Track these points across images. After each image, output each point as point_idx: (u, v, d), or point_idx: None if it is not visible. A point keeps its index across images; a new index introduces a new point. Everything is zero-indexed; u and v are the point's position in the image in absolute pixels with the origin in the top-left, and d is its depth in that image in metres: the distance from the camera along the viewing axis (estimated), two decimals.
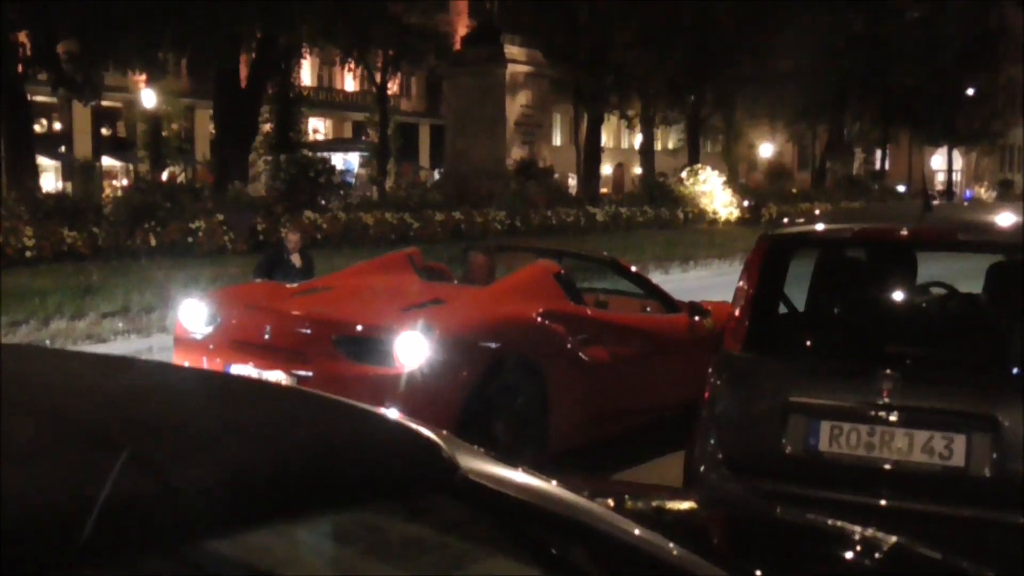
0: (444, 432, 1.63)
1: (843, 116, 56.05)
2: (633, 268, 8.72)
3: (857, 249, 5.32)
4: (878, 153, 63.79)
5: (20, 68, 26.82)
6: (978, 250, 4.74)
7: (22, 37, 26.72)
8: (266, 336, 6.50)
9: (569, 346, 6.83)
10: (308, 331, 6.45)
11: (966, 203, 35.08)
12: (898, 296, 5.04)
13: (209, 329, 6.81)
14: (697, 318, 7.88)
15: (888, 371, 4.26)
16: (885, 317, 5.00)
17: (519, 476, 1.68)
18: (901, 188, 57.77)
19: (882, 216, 5.73)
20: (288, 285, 7.81)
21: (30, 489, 1.22)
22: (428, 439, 1.55)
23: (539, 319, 6.76)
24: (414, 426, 1.59)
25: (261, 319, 6.67)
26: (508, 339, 6.58)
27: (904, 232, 4.87)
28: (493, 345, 6.46)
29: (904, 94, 52.16)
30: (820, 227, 5.21)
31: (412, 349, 5.98)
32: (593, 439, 6.98)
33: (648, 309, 8.20)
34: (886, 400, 4.26)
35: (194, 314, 6.93)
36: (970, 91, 57.31)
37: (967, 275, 5.98)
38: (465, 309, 6.74)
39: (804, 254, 5.29)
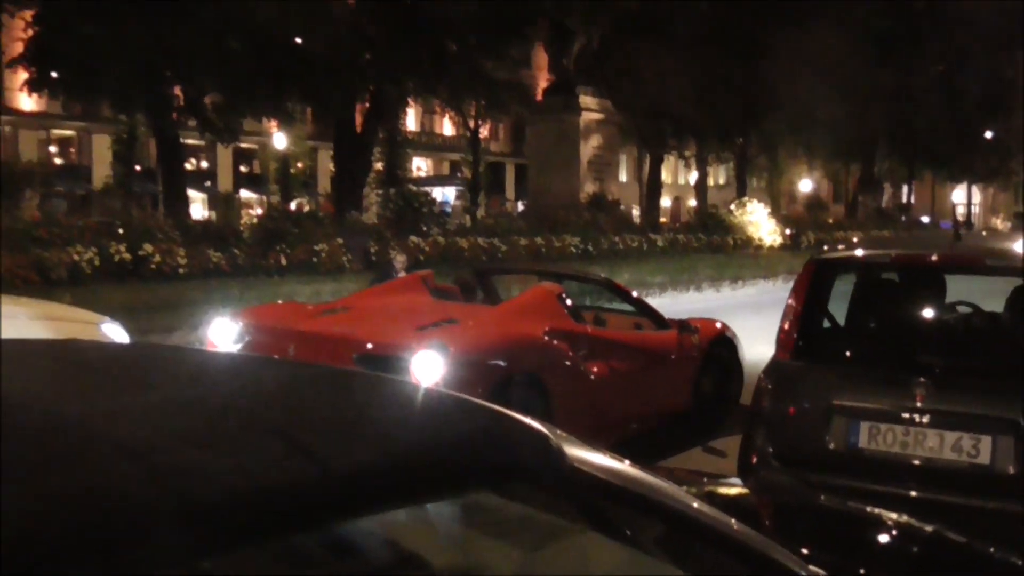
0: (549, 425, 1.62)
1: (873, 156, 55.02)
2: (634, 293, 8.20)
3: (892, 272, 5.22)
4: (904, 188, 62.51)
5: (174, 116, 27.57)
6: (1003, 274, 4.62)
7: (176, 91, 27.47)
8: (291, 353, 6.04)
9: (571, 362, 6.42)
10: (330, 349, 5.89)
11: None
12: (929, 313, 4.94)
13: (238, 347, 6.33)
14: (684, 334, 7.49)
15: (921, 378, 4.18)
16: (918, 331, 4.90)
17: (613, 463, 1.67)
18: (925, 219, 56.55)
19: (915, 244, 5.61)
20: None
21: (217, 475, 1.23)
22: (540, 432, 1.55)
23: (544, 337, 6.34)
24: (527, 420, 1.59)
25: (286, 338, 6.24)
26: (516, 356, 6.14)
27: (936, 258, 4.77)
28: (502, 362, 6.01)
29: (928, 138, 51.09)
30: (860, 252, 5.11)
31: (428, 366, 5.53)
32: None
33: (641, 326, 7.68)
34: (919, 404, 4.17)
35: (223, 332, 6.46)
36: (988, 134, 55.94)
37: (987, 296, 5.83)
38: (476, 328, 6.28)
39: (845, 276, 5.21)
